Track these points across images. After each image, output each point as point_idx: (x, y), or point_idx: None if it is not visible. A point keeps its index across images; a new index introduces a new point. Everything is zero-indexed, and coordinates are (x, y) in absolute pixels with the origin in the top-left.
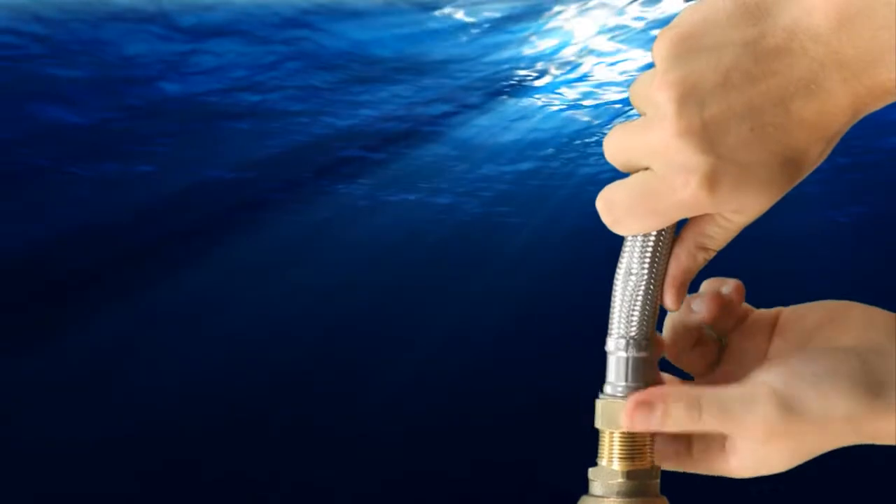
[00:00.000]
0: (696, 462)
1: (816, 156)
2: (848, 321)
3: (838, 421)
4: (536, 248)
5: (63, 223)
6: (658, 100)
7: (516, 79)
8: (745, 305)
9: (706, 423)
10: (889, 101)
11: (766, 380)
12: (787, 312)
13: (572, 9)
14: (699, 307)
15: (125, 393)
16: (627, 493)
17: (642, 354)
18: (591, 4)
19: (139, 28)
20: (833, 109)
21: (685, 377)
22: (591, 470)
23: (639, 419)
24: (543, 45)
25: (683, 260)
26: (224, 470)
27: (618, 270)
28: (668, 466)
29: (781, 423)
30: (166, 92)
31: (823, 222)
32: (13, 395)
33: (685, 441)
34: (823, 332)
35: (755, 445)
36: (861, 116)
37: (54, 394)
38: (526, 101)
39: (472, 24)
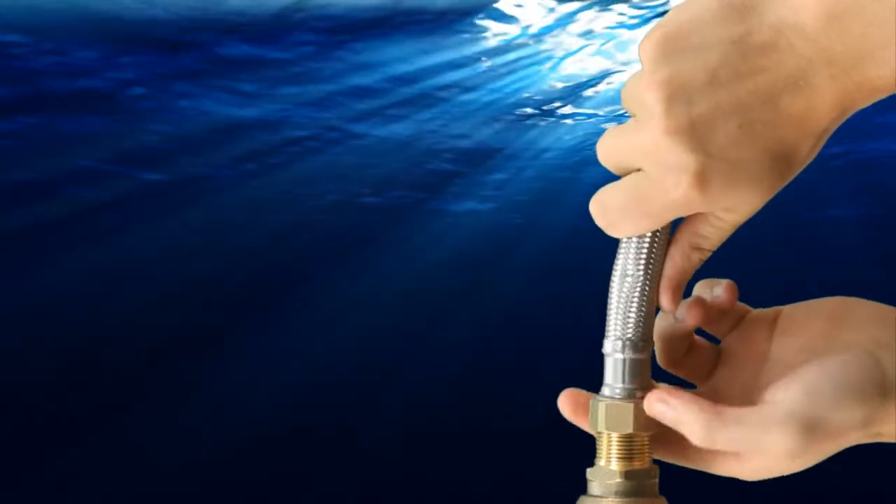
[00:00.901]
0: (706, 462)
1: (807, 152)
2: (853, 318)
3: (855, 427)
4: (535, 249)
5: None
6: (646, 100)
7: (537, 99)
8: (742, 305)
9: (722, 447)
10: (878, 97)
11: (783, 401)
12: (787, 311)
13: (584, 22)
14: (682, 314)
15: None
16: (626, 494)
17: (639, 356)
18: (604, 17)
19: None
20: (821, 106)
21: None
22: (589, 470)
23: (657, 409)
24: (560, 52)
25: (678, 260)
26: (228, 471)
27: (613, 272)
28: (674, 461)
29: (804, 444)
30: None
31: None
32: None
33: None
34: (828, 330)
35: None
36: (850, 113)
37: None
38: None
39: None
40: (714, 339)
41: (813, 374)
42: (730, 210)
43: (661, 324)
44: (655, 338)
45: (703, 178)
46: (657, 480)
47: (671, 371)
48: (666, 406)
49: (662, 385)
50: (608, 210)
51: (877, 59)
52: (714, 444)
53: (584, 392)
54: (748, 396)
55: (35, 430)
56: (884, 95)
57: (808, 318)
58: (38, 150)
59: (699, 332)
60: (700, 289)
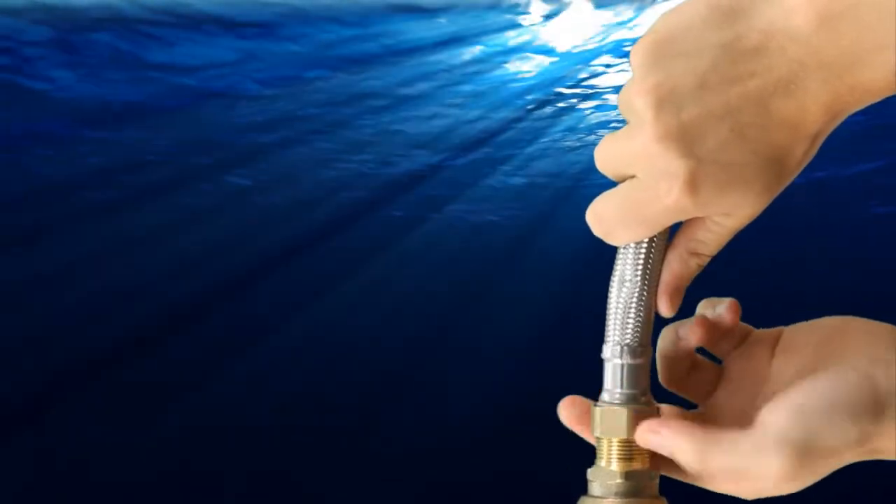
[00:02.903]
0: (703, 480)
1: (801, 155)
2: (848, 336)
3: (850, 446)
4: (537, 251)
5: None
6: (636, 106)
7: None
8: (745, 325)
9: (716, 473)
10: (871, 101)
11: (775, 423)
12: (788, 332)
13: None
14: (685, 333)
15: None
16: (626, 494)
17: (638, 361)
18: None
19: None
20: (813, 109)
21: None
22: (589, 470)
23: (648, 439)
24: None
25: (676, 266)
26: (242, 475)
27: (612, 278)
28: (673, 475)
29: (798, 467)
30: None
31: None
32: None
33: None
34: (825, 349)
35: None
36: (844, 116)
37: None
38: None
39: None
40: (715, 359)
41: (804, 394)
42: (727, 215)
43: (663, 343)
44: (658, 357)
45: (694, 183)
46: (657, 481)
47: (672, 390)
48: (657, 437)
49: (663, 406)
50: (604, 219)
51: (870, 62)
52: (708, 471)
53: (584, 399)
54: (746, 417)
55: None
56: (877, 99)
57: (807, 338)
58: None
59: (703, 351)
60: (703, 308)
